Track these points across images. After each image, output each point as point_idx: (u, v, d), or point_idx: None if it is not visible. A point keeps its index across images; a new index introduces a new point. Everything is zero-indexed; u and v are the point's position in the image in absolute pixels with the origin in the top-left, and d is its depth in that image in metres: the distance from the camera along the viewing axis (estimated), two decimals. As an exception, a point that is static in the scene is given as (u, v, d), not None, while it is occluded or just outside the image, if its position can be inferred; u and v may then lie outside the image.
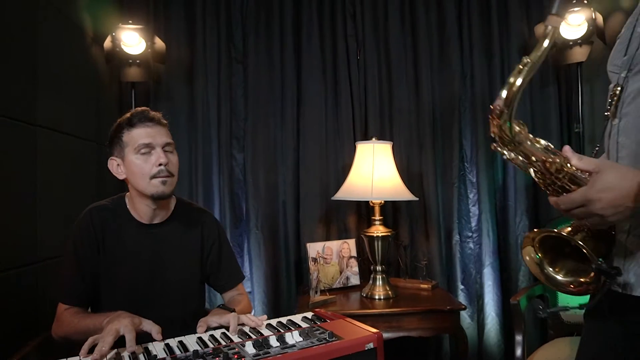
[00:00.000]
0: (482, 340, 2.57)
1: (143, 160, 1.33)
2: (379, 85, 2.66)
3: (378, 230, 2.15)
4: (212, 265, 1.53)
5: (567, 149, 0.87)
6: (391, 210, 2.61)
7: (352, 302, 2.15)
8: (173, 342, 1.12)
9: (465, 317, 2.55)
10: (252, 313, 2.43)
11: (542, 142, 0.89)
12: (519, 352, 1.89)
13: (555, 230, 0.92)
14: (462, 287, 2.60)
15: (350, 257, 2.37)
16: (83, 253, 1.36)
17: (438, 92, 2.66)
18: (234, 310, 1.32)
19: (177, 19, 2.60)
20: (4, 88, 1.58)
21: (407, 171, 2.58)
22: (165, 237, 1.43)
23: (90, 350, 1.05)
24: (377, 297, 2.13)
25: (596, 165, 0.82)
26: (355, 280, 2.36)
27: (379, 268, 2.18)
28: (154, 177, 1.32)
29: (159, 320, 1.23)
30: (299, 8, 2.66)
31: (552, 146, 0.89)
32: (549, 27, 0.84)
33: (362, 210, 2.60)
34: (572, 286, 0.94)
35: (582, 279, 0.92)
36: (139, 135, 1.32)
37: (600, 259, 0.85)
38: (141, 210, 1.40)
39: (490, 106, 0.85)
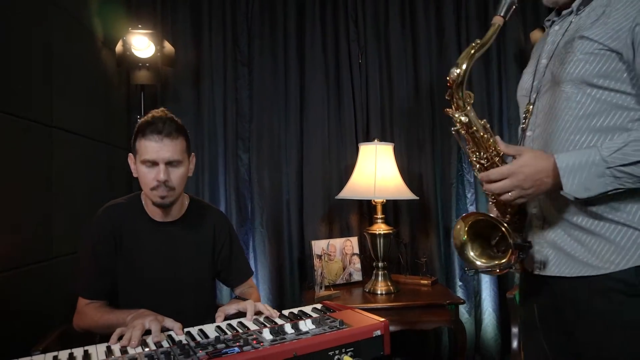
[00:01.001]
0: (479, 334, 2.66)
1: (147, 171, 1.37)
2: (380, 88, 2.75)
3: (380, 228, 2.23)
4: (223, 261, 1.60)
5: (497, 138, 1.08)
6: (392, 209, 2.69)
7: (355, 296, 2.23)
8: (194, 330, 1.20)
9: (463, 312, 2.64)
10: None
11: (482, 121, 1.10)
12: (514, 344, 1.98)
13: (484, 213, 1.13)
14: (460, 283, 2.69)
15: (353, 254, 2.46)
16: (101, 249, 1.42)
17: (437, 95, 2.74)
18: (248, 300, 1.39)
19: (183, 23, 2.68)
20: (22, 91, 1.66)
21: (408, 171, 2.67)
22: (178, 235, 1.50)
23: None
24: (379, 292, 2.21)
25: (518, 150, 1.04)
26: (357, 277, 2.44)
27: (380, 264, 2.26)
28: (153, 189, 1.37)
29: (173, 314, 1.29)
30: (303, 13, 2.74)
31: (489, 126, 1.10)
32: (496, 24, 1.09)
33: (364, 209, 2.69)
34: (483, 263, 1.16)
35: (495, 262, 1.13)
36: (145, 148, 1.35)
37: (516, 235, 1.08)
38: (153, 209, 1.46)
39: (449, 77, 1.05)
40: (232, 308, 1.33)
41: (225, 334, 1.14)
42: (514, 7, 1.09)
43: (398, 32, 2.75)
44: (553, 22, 1.18)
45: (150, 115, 1.40)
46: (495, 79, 2.73)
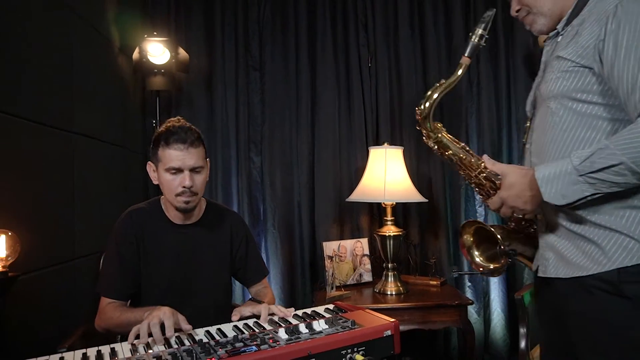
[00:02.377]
0: (488, 334, 2.69)
1: (171, 178, 1.43)
2: (390, 92, 2.79)
3: (390, 230, 2.28)
4: (240, 260, 1.66)
5: (485, 157, 1.18)
6: (402, 211, 2.74)
7: (365, 297, 2.28)
8: (212, 329, 1.25)
9: (472, 312, 2.68)
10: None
11: (461, 143, 1.26)
12: (522, 344, 2.01)
13: (482, 222, 1.30)
14: (469, 284, 2.72)
15: (364, 255, 2.51)
16: (124, 251, 1.49)
17: (446, 98, 2.76)
18: (262, 302, 1.45)
19: (197, 29, 2.75)
20: (45, 99, 1.73)
21: (417, 174, 2.71)
22: (197, 236, 1.56)
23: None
24: (389, 292, 2.26)
25: (502, 170, 1.13)
26: (368, 277, 2.49)
27: (390, 265, 2.31)
28: (178, 195, 1.44)
29: (193, 312, 1.36)
30: (314, 18, 2.80)
31: (468, 148, 1.25)
32: (463, 65, 1.24)
33: (374, 211, 2.74)
34: (481, 268, 1.31)
35: (494, 265, 1.28)
36: (170, 156, 1.41)
37: (506, 243, 1.22)
38: (174, 213, 1.54)
39: (416, 109, 1.24)
40: (247, 310, 1.38)
41: (243, 333, 1.20)
42: (479, 47, 1.23)
43: (407, 36, 2.79)
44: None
45: (169, 124, 1.46)
46: (503, 83, 2.76)
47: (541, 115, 1.17)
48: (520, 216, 1.18)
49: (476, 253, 1.32)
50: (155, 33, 2.42)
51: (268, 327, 1.26)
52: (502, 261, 1.23)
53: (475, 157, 1.21)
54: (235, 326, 1.27)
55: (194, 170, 1.45)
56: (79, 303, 1.89)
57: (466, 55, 1.23)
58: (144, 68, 2.43)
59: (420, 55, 2.79)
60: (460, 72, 1.23)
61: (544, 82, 1.14)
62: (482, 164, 1.17)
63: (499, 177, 1.13)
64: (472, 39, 1.22)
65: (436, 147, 1.26)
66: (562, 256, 1.12)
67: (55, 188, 1.78)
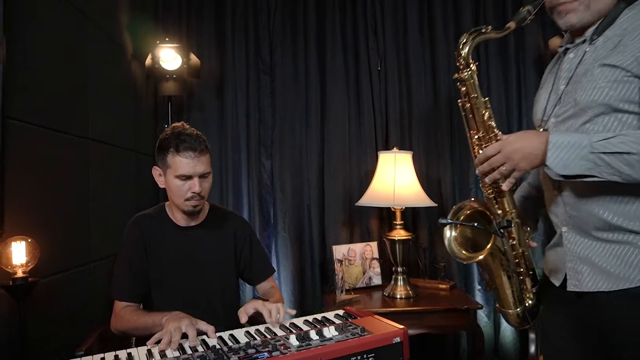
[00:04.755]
0: (498, 338, 2.69)
1: (181, 184, 1.48)
2: (399, 96, 2.80)
3: (399, 234, 2.29)
4: (245, 260, 1.71)
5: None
6: (411, 214, 2.75)
7: (375, 300, 2.30)
8: (225, 335, 1.28)
9: (482, 315, 2.68)
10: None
11: (485, 98, 1.23)
12: (532, 349, 2.02)
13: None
14: (478, 287, 2.73)
15: (373, 258, 2.52)
16: (132, 256, 1.54)
17: (455, 102, 2.76)
18: (267, 300, 1.47)
19: (208, 34, 2.78)
20: (62, 106, 1.77)
21: (427, 177, 2.72)
22: (202, 237, 1.61)
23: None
24: (398, 296, 2.27)
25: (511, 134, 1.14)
26: (377, 280, 2.51)
27: (400, 269, 2.33)
28: (187, 200, 1.50)
29: (202, 311, 1.41)
30: (323, 22, 2.82)
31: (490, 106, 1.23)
32: (509, 28, 1.21)
33: (384, 214, 2.75)
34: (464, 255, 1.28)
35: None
36: (181, 164, 1.45)
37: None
38: (179, 216, 1.59)
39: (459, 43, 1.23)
40: (250, 307, 1.40)
41: (255, 339, 1.23)
42: (526, 19, 1.21)
43: (417, 40, 2.79)
44: (567, 49, 1.23)
45: (175, 131, 1.50)
46: (514, 85, 2.75)
47: (575, 125, 1.13)
48: (497, 177, 1.13)
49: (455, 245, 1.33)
50: (167, 39, 2.45)
51: (280, 332, 1.28)
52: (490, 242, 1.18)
53: (491, 117, 1.21)
54: (247, 332, 1.30)
55: (202, 176, 1.50)
56: (95, 305, 1.93)
57: (514, 20, 1.22)
58: (156, 74, 2.47)
59: (430, 59, 2.80)
60: (505, 32, 1.23)
61: (582, 91, 1.10)
62: (499, 133, 1.18)
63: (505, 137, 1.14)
64: (522, 9, 1.21)
65: (465, 86, 1.23)
66: (600, 268, 1.09)
67: (71, 193, 1.83)
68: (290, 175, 2.78)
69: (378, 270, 2.53)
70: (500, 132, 1.18)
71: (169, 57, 2.46)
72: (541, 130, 1.21)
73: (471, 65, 1.22)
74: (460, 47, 1.22)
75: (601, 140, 0.99)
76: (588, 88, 1.09)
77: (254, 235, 1.77)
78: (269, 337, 1.24)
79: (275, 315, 1.35)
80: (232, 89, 2.79)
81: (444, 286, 2.41)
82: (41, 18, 1.65)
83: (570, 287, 1.16)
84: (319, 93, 2.80)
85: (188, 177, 1.48)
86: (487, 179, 1.15)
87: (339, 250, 2.43)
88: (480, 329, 2.23)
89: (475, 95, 1.21)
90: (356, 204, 2.44)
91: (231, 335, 1.28)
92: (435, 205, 2.37)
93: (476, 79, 1.22)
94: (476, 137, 1.22)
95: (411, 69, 2.80)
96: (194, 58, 2.55)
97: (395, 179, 2.26)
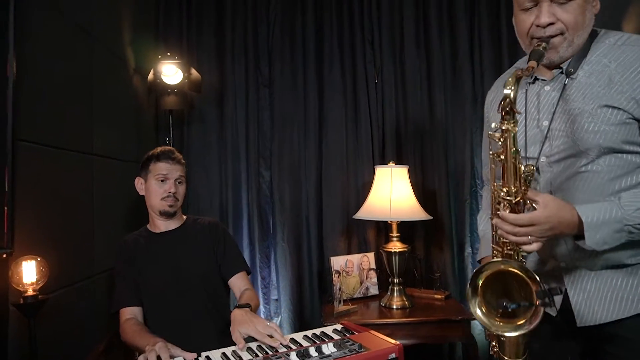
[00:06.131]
0: (492, 346, 2.75)
1: (159, 185, 1.82)
2: (396, 108, 2.86)
3: (395, 246, 2.35)
4: (220, 255, 1.88)
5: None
6: (408, 225, 2.80)
7: (372, 311, 2.36)
8: (228, 350, 1.34)
9: (477, 325, 2.73)
10: (279, 320, 2.68)
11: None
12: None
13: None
14: (473, 296, 2.78)
15: (370, 269, 2.58)
16: (124, 269, 1.77)
17: (451, 115, 2.85)
18: (248, 305, 1.56)
19: (208, 49, 2.84)
20: (69, 125, 1.82)
21: (423, 189, 2.78)
22: (179, 239, 1.84)
23: None
24: (394, 307, 2.33)
25: (543, 197, 1.03)
26: (374, 291, 2.57)
27: (396, 280, 2.38)
28: (163, 199, 1.80)
29: (189, 309, 1.67)
30: (321, 36, 2.88)
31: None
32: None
33: (381, 225, 2.81)
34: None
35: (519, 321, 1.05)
36: (160, 168, 1.82)
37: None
38: (156, 223, 1.85)
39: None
40: (242, 330, 1.40)
41: (257, 355, 1.28)
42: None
43: (413, 53, 2.85)
44: (536, 79, 1.19)
45: (160, 149, 1.88)
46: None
47: (572, 165, 1.12)
48: (514, 242, 1.06)
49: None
50: (168, 54, 2.51)
51: (281, 349, 1.34)
52: (534, 311, 1.00)
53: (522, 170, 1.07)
54: (250, 348, 1.35)
55: (177, 180, 1.83)
56: (99, 318, 1.98)
57: (533, 59, 1.06)
58: (158, 88, 2.52)
59: (426, 72, 2.86)
60: (530, 73, 1.06)
61: (583, 132, 1.07)
62: (523, 189, 1.06)
63: (537, 202, 1.03)
64: (537, 48, 1.08)
65: (504, 138, 1.05)
66: (610, 299, 1.10)
67: (76, 209, 1.88)
68: (289, 186, 2.84)
69: (375, 280, 2.58)
70: (529, 188, 1.06)
71: (170, 72, 2.51)
72: (532, 170, 1.07)
73: (516, 113, 1.04)
74: (510, 93, 1.02)
75: (635, 212, 1.00)
76: (590, 130, 1.07)
77: (227, 233, 1.99)
78: (270, 353, 1.30)
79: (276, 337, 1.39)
80: (232, 102, 2.84)
81: (439, 296, 2.47)
82: (47, 36, 1.69)
83: (581, 323, 1.13)
84: (317, 105, 2.86)
85: (165, 178, 1.81)
86: (505, 237, 1.07)
87: (337, 262, 2.49)
88: (475, 339, 2.28)
89: (514, 149, 1.05)
90: (354, 217, 2.50)
91: (234, 352, 1.33)
92: (431, 218, 2.43)
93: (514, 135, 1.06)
94: (504, 190, 1.07)
95: (407, 82, 2.86)
96: (194, 73, 2.60)
97: (392, 193, 2.32)
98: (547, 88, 1.17)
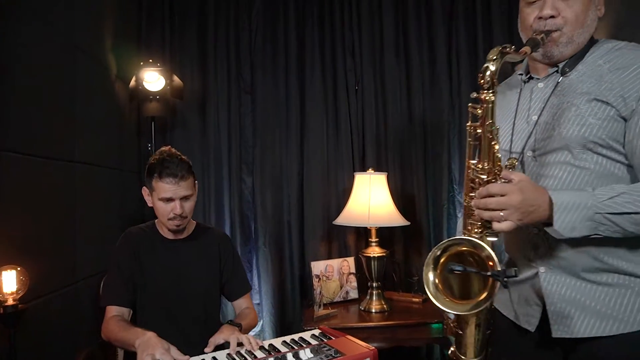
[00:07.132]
0: (469, 347, 2.82)
1: (164, 206, 1.64)
2: (376, 115, 2.92)
3: (374, 251, 2.41)
4: (227, 273, 1.83)
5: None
6: (387, 229, 2.86)
7: (351, 314, 2.41)
8: (208, 357, 1.37)
9: (453, 326, 2.81)
10: (260, 324, 2.71)
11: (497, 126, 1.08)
12: None
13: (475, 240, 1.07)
14: (451, 299, 2.85)
15: (350, 273, 2.63)
16: (122, 265, 1.67)
17: (429, 121, 2.92)
18: (240, 325, 1.60)
19: (190, 55, 2.86)
20: (51, 133, 1.84)
21: (401, 194, 2.84)
22: (188, 248, 1.75)
23: None
24: (373, 310, 2.38)
25: (518, 174, 1.02)
26: (354, 294, 2.62)
27: (375, 284, 2.44)
28: (170, 219, 1.65)
29: (184, 319, 1.63)
30: (303, 44, 2.92)
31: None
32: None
33: (361, 230, 2.86)
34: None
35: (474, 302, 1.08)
36: (163, 189, 1.61)
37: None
38: (167, 231, 1.74)
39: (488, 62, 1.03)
40: (220, 338, 1.49)
41: (236, 361, 1.32)
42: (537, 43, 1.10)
43: (392, 62, 2.92)
44: (531, 77, 1.22)
45: (162, 156, 1.63)
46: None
47: (555, 159, 1.11)
48: (486, 218, 1.03)
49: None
50: (150, 60, 2.52)
51: (260, 355, 1.38)
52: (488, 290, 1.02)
53: (497, 144, 1.06)
54: (229, 355, 1.39)
55: (183, 198, 1.65)
56: (81, 324, 1.99)
57: (528, 45, 1.08)
58: (140, 95, 2.53)
59: (405, 80, 2.93)
60: (523, 57, 1.08)
61: (569, 125, 1.08)
62: (497, 168, 1.05)
63: (512, 179, 1.01)
64: (535, 36, 1.09)
65: (483, 108, 1.04)
66: (594, 311, 1.06)
67: (57, 217, 1.89)
68: (270, 192, 2.88)
69: (355, 284, 2.64)
70: (503, 167, 1.06)
71: (152, 78, 2.53)
72: (514, 163, 1.07)
73: (495, 86, 1.03)
74: (490, 64, 1.01)
75: (606, 200, 0.97)
76: (577, 122, 1.07)
77: (236, 251, 1.92)
78: (249, 359, 1.34)
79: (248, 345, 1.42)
80: (214, 108, 2.87)
81: (417, 299, 2.53)
82: (29, 43, 1.69)
83: (557, 334, 1.09)
84: (298, 112, 2.91)
85: (170, 200, 1.62)
86: (477, 213, 1.05)
87: (317, 267, 2.54)
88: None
89: (491, 122, 1.04)
90: (333, 223, 2.55)
91: (214, 358, 1.37)
92: (409, 223, 2.50)
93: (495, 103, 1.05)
94: (479, 167, 1.07)
95: (387, 90, 2.92)
96: (176, 80, 2.62)
97: (370, 199, 2.37)
98: (540, 85, 1.19)
